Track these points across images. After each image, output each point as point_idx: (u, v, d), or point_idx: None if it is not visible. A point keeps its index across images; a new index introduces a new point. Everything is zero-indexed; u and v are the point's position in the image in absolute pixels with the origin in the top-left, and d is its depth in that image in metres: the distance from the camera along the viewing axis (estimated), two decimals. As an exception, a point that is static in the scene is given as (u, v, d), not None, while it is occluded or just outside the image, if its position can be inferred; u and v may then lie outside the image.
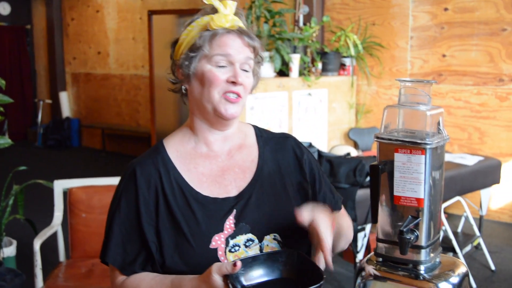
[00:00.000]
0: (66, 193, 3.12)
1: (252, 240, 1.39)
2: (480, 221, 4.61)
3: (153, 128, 4.86)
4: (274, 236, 1.41)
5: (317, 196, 1.50)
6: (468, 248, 4.18)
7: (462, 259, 3.91)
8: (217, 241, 1.37)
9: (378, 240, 1.22)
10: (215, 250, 1.36)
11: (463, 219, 4.56)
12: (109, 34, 9.00)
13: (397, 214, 1.18)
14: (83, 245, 3.06)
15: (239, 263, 1.15)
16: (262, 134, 1.56)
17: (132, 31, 8.58)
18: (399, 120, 1.18)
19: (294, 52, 5.15)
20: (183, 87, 1.46)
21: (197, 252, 1.35)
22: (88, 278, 2.83)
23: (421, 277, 1.17)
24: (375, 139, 1.18)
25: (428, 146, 1.12)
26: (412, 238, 1.14)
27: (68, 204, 3.09)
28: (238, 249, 1.38)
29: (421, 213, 1.15)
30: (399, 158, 1.15)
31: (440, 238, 3.85)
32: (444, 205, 3.97)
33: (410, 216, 1.16)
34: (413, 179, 1.14)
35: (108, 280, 1.46)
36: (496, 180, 4.61)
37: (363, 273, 1.22)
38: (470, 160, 4.48)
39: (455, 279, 1.19)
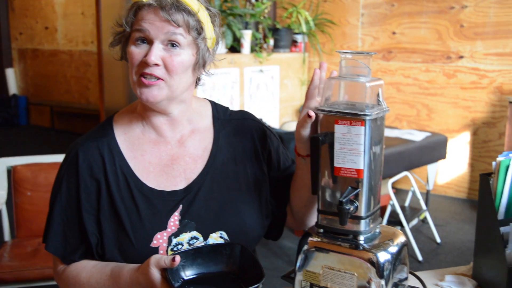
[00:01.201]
0: (11, 171, 3.04)
1: (197, 238, 1.34)
2: (427, 195, 4.73)
3: (102, 106, 4.76)
4: (221, 234, 1.36)
5: (286, 172, 1.47)
6: (415, 222, 4.28)
7: (409, 233, 4.01)
8: (159, 239, 1.31)
9: (319, 211, 1.23)
10: (156, 249, 1.31)
11: (410, 194, 4.66)
12: (57, 9, 8.75)
13: (338, 186, 1.18)
14: (29, 223, 2.99)
15: (177, 258, 1.14)
16: (219, 115, 1.47)
17: (80, 6, 8.36)
18: (340, 92, 1.18)
19: (246, 28, 5.12)
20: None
21: (137, 249, 1.29)
22: (33, 258, 2.77)
23: (360, 247, 1.18)
24: (316, 111, 1.18)
25: (367, 118, 1.12)
26: (351, 209, 1.15)
27: (12, 182, 3.01)
28: (181, 248, 1.33)
29: (360, 184, 1.16)
30: (339, 130, 1.15)
31: (388, 213, 3.88)
32: (392, 180, 4.04)
33: (349, 187, 1.16)
34: (353, 150, 1.15)
35: (54, 259, 1.43)
36: (443, 156, 4.72)
37: (305, 245, 1.23)
38: (418, 136, 4.57)
39: (393, 249, 1.21)
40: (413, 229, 4.28)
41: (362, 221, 1.18)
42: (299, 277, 1.24)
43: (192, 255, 1.24)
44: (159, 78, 1.27)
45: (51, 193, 1.38)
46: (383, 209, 4.17)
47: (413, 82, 5.56)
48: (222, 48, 4.91)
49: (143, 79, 1.27)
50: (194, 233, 1.34)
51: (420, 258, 3.98)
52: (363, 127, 1.13)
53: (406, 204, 4.72)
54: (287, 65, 5.66)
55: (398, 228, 4.38)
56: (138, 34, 1.27)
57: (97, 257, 1.34)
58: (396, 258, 1.21)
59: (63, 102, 8.80)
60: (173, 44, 1.27)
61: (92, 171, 1.34)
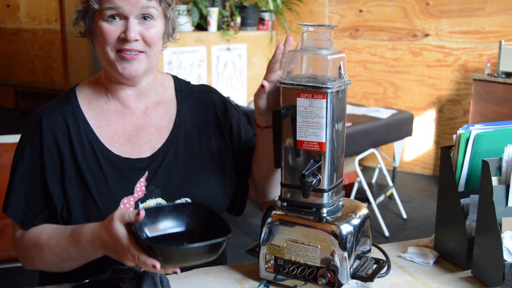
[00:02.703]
0: (-28, 152, 2.97)
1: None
2: (393, 172, 4.78)
3: (67, 86, 4.68)
4: (186, 200, 1.37)
5: (247, 143, 1.49)
6: (381, 198, 4.33)
7: (375, 209, 4.06)
8: (126, 204, 1.32)
9: (283, 185, 1.23)
10: None
11: (377, 171, 4.71)
12: (19, -14, 8.53)
13: (300, 159, 1.19)
14: (-7, 205, 2.94)
15: (142, 212, 1.12)
16: (181, 88, 1.49)
17: (43, -17, 8.17)
18: (302, 65, 1.17)
19: (213, 5, 5.07)
20: (93, 43, 1.36)
21: (104, 214, 1.27)
22: (-2, 239, 2.73)
23: (324, 220, 1.19)
24: (278, 84, 1.18)
25: (329, 90, 1.12)
26: (314, 182, 1.16)
27: (-26, 163, 2.94)
28: None
29: (323, 157, 1.17)
30: (301, 103, 1.15)
31: (355, 190, 3.90)
32: (358, 157, 4.08)
33: (312, 160, 1.17)
34: (315, 123, 1.15)
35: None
36: (409, 133, 4.78)
37: (268, 218, 1.23)
38: (384, 114, 4.61)
39: (356, 221, 1.22)
40: (380, 206, 4.34)
41: (325, 194, 1.19)
42: (263, 250, 1.25)
43: (154, 213, 1.21)
44: (140, 51, 1.30)
45: (12, 160, 1.36)
46: (350, 186, 4.21)
47: (379, 60, 5.59)
48: (188, 26, 4.86)
49: (125, 54, 1.29)
50: (160, 200, 1.35)
51: (386, 233, 4.04)
52: (324, 100, 1.13)
53: (373, 181, 4.78)
54: (255, 43, 5.64)
55: (365, 205, 4.44)
56: (110, 12, 1.27)
57: (62, 222, 1.33)
58: (359, 231, 1.22)
59: (27, 82, 8.61)
60: (146, 17, 1.30)
61: (56, 137, 1.33)
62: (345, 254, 1.17)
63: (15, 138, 3.08)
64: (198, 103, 1.48)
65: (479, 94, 4.55)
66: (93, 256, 1.23)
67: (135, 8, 1.27)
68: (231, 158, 1.48)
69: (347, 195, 4.14)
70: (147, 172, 1.36)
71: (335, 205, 1.24)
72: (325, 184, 1.18)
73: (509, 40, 4.71)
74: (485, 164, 1.25)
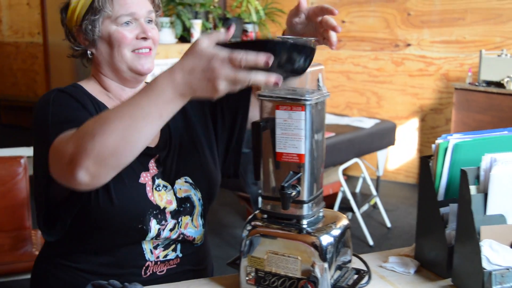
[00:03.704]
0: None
1: (165, 187, 1.42)
2: (377, 181, 4.81)
3: (50, 97, 4.66)
4: (186, 179, 1.45)
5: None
6: (365, 207, 4.36)
7: (360, 218, 4.08)
8: (145, 177, 1.38)
9: (263, 197, 1.23)
10: (144, 185, 1.36)
11: (361, 180, 4.74)
12: (1, -1, 8.50)
13: (280, 171, 1.19)
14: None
15: (232, 27, 1.07)
16: None
17: (26, -4, 8.14)
18: (281, 77, 1.18)
19: (196, 17, 5.09)
20: (88, 52, 1.42)
21: (128, 185, 1.33)
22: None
23: (304, 231, 1.19)
24: (257, 97, 1.18)
25: (307, 102, 1.13)
26: (293, 193, 1.16)
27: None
28: (161, 190, 1.40)
29: (302, 169, 1.17)
30: (280, 115, 1.16)
31: (339, 199, 3.92)
32: (342, 167, 4.10)
33: (291, 172, 1.17)
34: (294, 135, 1.16)
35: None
36: (392, 142, 4.81)
37: (249, 231, 1.23)
38: (367, 123, 4.64)
39: (336, 232, 1.23)
40: (364, 215, 4.36)
41: (305, 205, 1.20)
42: (244, 263, 1.25)
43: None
44: (150, 49, 1.42)
45: (37, 136, 1.31)
46: (334, 196, 4.23)
47: (362, 70, 5.63)
48: (172, 38, 4.87)
49: (141, 52, 1.40)
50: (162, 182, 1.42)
51: (371, 242, 4.05)
52: (303, 112, 1.14)
53: (357, 190, 4.80)
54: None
55: (349, 214, 4.46)
56: (126, 18, 1.38)
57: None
58: (339, 241, 1.23)
59: (9, 96, 8.54)
60: (149, 20, 1.44)
61: (85, 104, 1.35)
62: (326, 265, 1.18)
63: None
64: None
65: (461, 103, 4.60)
66: (170, 104, 1.07)
67: (145, 12, 1.41)
68: (214, 133, 1.56)
69: (331, 204, 4.16)
70: (158, 155, 1.43)
71: (315, 216, 1.24)
72: (305, 196, 1.19)
73: (489, 49, 4.78)
74: (463, 173, 1.26)
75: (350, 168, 5.10)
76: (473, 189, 1.28)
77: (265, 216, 1.24)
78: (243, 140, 1.60)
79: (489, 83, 4.46)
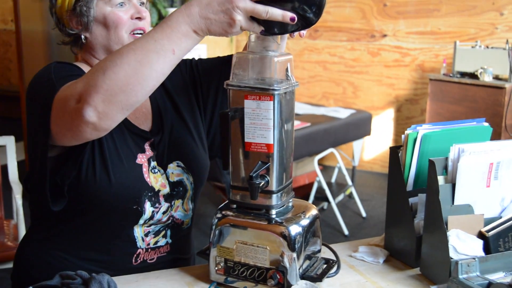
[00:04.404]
0: None
1: (159, 170, 1.42)
2: (352, 171, 4.84)
3: (22, 87, 4.58)
4: (177, 163, 1.46)
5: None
6: (341, 197, 4.38)
7: (335, 208, 4.10)
8: (141, 158, 1.38)
9: (232, 187, 1.23)
10: (141, 166, 1.37)
11: (336, 170, 4.76)
12: (-27, -15, 8.32)
13: (249, 161, 1.19)
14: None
15: None
16: None
17: (-2, -18, 7.99)
18: (249, 67, 1.17)
19: (172, 6, 5.04)
20: (82, 36, 1.40)
21: (126, 165, 1.34)
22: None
23: (273, 221, 1.19)
24: (225, 87, 1.17)
25: (276, 92, 1.13)
26: (262, 183, 1.16)
27: None
28: (156, 172, 1.41)
29: (271, 159, 1.17)
30: (249, 105, 1.15)
31: (315, 189, 3.92)
32: (318, 157, 4.11)
33: (260, 162, 1.17)
34: (262, 125, 1.15)
35: None
36: (367, 132, 4.84)
37: (218, 221, 1.23)
38: (343, 113, 4.66)
39: (305, 222, 1.23)
40: (339, 205, 4.38)
41: (274, 195, 1.19)
42: (213, 253, 1.25)
43: None
44: (145, 31, 1.41)
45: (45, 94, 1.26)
46: (309, 186, 4.24)
47: (339, 61, 5.65)
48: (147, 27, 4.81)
49: (137, 34, 1.39)
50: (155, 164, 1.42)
51: (346, 232, 4.08)
52: (271, 102, 1.13)
53: (333, 180, 4.82)
54: (215, 44, 5.62)
55: (324, 204, 4.49)
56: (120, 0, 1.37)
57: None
58: (308, 231, 1.23)
59: (-17, 84, 8.41)
60: (141, 3, 1.43)
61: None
62: (294, 255, 1.18)
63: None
64: None
65: (436, 94, 4.64)
66: (183, 39, 1.09)
67: None
68: (199, 114, 1.56)
69: (307, 194, 4.17)
70: (153, 139, 1.44)
71: (284, 206, 1.24)
72: (273, 186, 1.18)
73: (464, 41, 4.82)
74: (431, 163, 1.27)
75: (326, 158, 5.12)
76: (441, 179, 1.29)
77: (234, 205, 1.24)
78: None
79: (463, 74, 4.50)
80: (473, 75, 4.41)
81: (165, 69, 1.09)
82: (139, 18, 1.40)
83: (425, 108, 4.97)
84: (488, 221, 1.33)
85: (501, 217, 1.35)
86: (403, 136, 1.39)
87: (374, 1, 5.35)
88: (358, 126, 4.71)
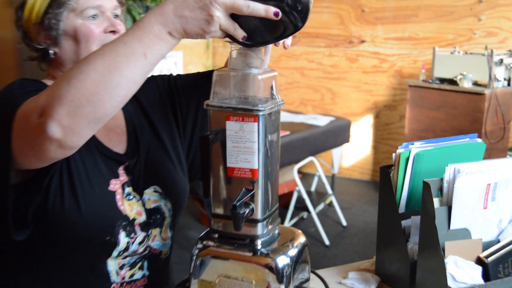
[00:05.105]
0: None
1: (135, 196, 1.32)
2: (332, 179, 4.77)
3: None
4: (155, 188, 1.35)
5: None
6: (321, 206, 4.30)
7: (315, 218, 4.02)
8: (115, 185, 1.26)
9: (213, 215, 1.13)
10: (114, 193, 1.25)
11: (316, 179, 4.69)
12: None
13: (231, 187, 1.09)
14: None
15: None
16: None
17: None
18: (231, 85, 1.08)
19: (147, 12, 4.92)
20: (51, 51, 1.29)
21: (97, 192, 1.22)
22: None
23: (258, 253, 1.10)
24: (205, 107, 1.08)
25: (260, 113, 1.03)
26: (246, 212, 1.06)
27: None
28: (131, 199, 1.29)
29: (256, 185, 1.08)
30: (231, 127, 1.05)
31: (295, 199, 3.85)
32: (297, 166, 4.04)
33: (244, 189, 1.07)
34: (246, 148, 1.06)
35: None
36: (346, 139, 4.78)
37: (198, 251, 1.13)
38: (322, 121, 4.59)
39: (293, 251, 1.14)
40: (319, 214, 4.31)
41: (259, 224, 1.10)
42: (193, 286, 1.14)
43: None
44: None
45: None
46: (289, 195, 4.16)
47: (317, 67, 5.58)
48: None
49: None
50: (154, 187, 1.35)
51: (327, 242, 4.00)
52: (256, 124, 1.04)
53: (312, 188, 4.75)
54: (191, 51, 5.52)
55: (304, 213, 4.40)
56: (93, 11, 1.27)
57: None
58: (297, 261, 1.14)
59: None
60: (115, 15, 1.33)
61: None
62: (282, 287, 1.08)
63: None
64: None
65: (415, 100, 4.60)
66: (156, 41, 0.99)
67: (111, 5, 1.31)
68: (178, 135, 1.46)
69: (287, 203, 4.09)
70: (127, 162, 1.33)
71: (270, 235, 1.15)
72: (258, 214, 1.09)
73: (442, 46, 4.79)
74: (426, 186, 1.19)
75: (305, 165, 5.04)
76: (436, 201, 1.21)
77: (216, 235, 1.14)
78: None
79: (442, 80, 4.46)
80: (452, 81, 4.37)
81: (136, 76, 0.98)
82: (113, 32, 1.29)
83: (404, 114, 4.93)
84: (485, 245, 1.25)
85: (499, 240, 1.28)
86: (394, 155, 1.31)
87: (352, 7, 5.30)
88: (337, 134, 4.64)
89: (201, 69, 5.67)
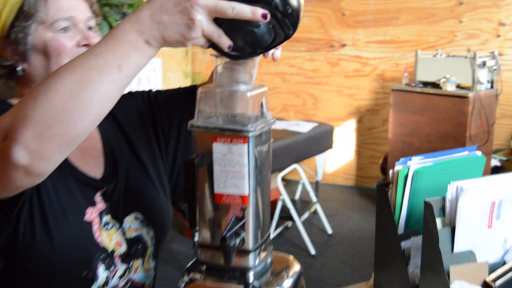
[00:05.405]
0: None
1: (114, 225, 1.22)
2: (316, 185, 4.69)
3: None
4: (135, 215, 1.26)
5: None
6: (306, 215, 4.22)
7: (300, 227, 3.94)
8: (91, 214, 1.16)
9: (200, 245, 1.03)
10: (90, 224, 1.15)
11: (300, 186, 4.60)
12: None
13: (220, 215, 0.99)
14: None
15: None
16: None
17: None
18: (217, 103, 0.98)
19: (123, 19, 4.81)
20: (19, 68, 1.18)
21: (71, 223, 1.12)
22: None
23: (250, 286, 1.00)
24: (189, 128, 0.98)
25: (250, 134, 0.94)
26: (237, 244, 0.97)
27: None
28: (110, 229, 1.19)
29: (247, 212, 0.98)
30: (218, 149, 0.96)
31: (279, 208, 3.75)
32: (281, 174, 3.95)
33: (233, 217, 0.98)
34: (235, 172, 0.96)
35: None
36: (329, 145, 4.71)
37: (184, 285, 1.03)
38: (305, 127, 4.52)
39: (288, 283, 1.04)
40: (304, 222, 4.23)
41: (251, 255, 1.00)
42: (179, 324, 1.05)
43: None
44: None
45: None
46: (273, 203, 4.07)
47: (298, 72, 5.51)
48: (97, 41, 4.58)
49: None
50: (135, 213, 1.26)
51: (312, 252, 3.92)
52: (245, 145, 0.94)
53: (297, 196, 4.66)
54: (170, 57, 5.41)
55: (289, 223, 4.31)
56: (64, 23, 1.18)
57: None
58: (291, 293, 1.05)
59: None
60: (89, 27, 1.24)
61: None
62: (277, 323, 0.99)
63: None
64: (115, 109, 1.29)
65: (398, 104, 4.54)
66: (131, 51, 0.88)
67: (84, 17, 1.22)
68: (159, 153, 1.37)
69: (271, 213, 4.00)
70: (105, 188, 1.23)
71: (263, 264, 1.05)
72: (250, 244, 0.99)
73: (424, 49, 4.74)
74: (428, 206, 1.10)
75: (288, 172, 4.97)
76: (438, 222, 1.13)
77: (204, 267, 1.04)
78: None
79: (425, 84, 4.41)
80: (435, 85, 4.32)
81: (110, 91, 0.88)
82: (87, 45, 1.19)
83: (387, 118, 4.87)
84: (491, 267, 1.17)
85: (504, 262, 1.20)
86: (391, 171, 1.23)
87: (333, 10, 5.24)
88: (321, 140, 4.57)
89: (180, 75, 5.56)
